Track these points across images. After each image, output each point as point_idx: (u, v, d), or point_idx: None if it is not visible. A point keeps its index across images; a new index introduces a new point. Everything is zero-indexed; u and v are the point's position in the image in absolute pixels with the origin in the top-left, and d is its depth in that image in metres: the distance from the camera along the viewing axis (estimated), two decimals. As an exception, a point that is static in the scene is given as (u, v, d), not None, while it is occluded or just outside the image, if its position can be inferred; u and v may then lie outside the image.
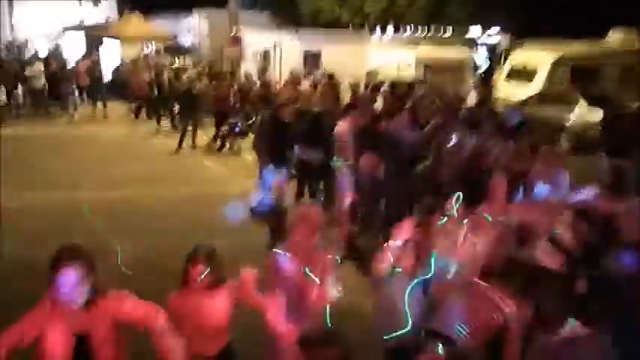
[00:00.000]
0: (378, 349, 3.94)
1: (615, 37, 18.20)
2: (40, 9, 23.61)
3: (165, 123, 14.72)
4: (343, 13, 31.83)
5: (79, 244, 2.99)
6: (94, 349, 2.90)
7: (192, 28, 24.76)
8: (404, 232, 3.79)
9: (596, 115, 13.00)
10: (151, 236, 7.07)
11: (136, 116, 15.88)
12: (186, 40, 23.73)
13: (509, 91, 16.35)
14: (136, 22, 21.52)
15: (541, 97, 14.54)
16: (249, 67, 18.71)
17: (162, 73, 15.25)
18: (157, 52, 21.07)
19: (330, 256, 3.57)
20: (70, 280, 2.76)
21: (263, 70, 17.33)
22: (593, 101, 13.48)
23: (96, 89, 16.06)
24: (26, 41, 23.58)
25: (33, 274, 4.91)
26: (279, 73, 17.78)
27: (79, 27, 24.29)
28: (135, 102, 16.16)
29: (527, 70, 16.62)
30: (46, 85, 15.67)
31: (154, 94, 15.21)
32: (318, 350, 2.35)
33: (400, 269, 3.73)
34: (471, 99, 12.14)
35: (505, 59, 18.87)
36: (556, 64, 16.15)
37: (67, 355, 2.85)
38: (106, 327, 2.92)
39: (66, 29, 24.52)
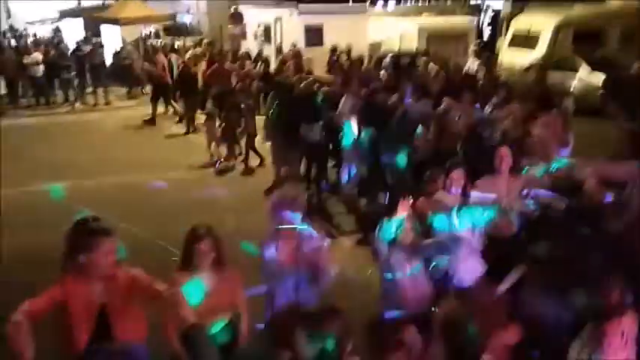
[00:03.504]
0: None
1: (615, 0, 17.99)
2: (37, -5, 23.46)
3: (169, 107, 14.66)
4: (343, -15, 31.37)
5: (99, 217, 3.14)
6: (113, 317, 3.05)
7: (191, 8, 24.54)
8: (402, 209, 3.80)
9: (598, 78, 12.90)
10: (158, 222, 7.10)
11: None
12: (185, 21, 23.53)
13: (512, 58, 16.20)
14: (134, 4, 21.29)
15: (544, 62, 14.42)
16: (250, 44, 18.57)
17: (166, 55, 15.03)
18: (157, 33, 20.90)
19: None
20: (110, 249, 2.97)
21: (276, 48, 17.12)
22: (594, 65, 13.37)
23: (96, 75, 15.96)
24: (24, 28, 23.51)
25: (37, 262, 5.05)
26: (281, 49, 17.64)
27: (76, 12, 24.13)
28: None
29: (529, 35, 16.43)
30: (46, 72, 15.56)
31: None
32: (320, 326, 2.40)
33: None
34: (471, 66, 12.06)
35: (507, 26, 18.63)
36: (558, 29, 15.96)
37: (91, 322, 3.01)
38: (123, 296, 3.08)
39: (63, 15, 24.38)
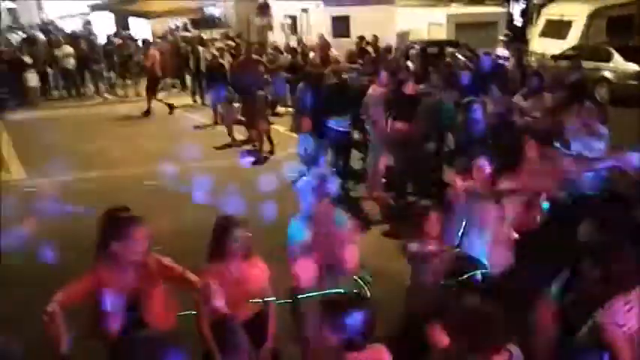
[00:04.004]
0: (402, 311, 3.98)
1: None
2: (67, -11, 23.89)
3: (198, 98, 14.81)
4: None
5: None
6: (145, 305, 3.11)
7: (219, 0, 24.72)
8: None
9: (633, 68, 12.56)
10: (185, 212, 7.16)
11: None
12: (213, 13, 23.71)
13: (544, 47, 15.88)
14: (163, -2, 21.59)
15: (577, 51, 14.09)
16: (277, 35, 18.60)
17: (192, 47, 15.18)
18: (185, 26, 21.10)
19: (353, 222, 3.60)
20: (142, 237, 3.03)
21: (298, 40, 17.20)
22: (628, 53, 13.00)
23: (126, 68, 16.18)
24: (54, 22, 23.99)
25: (70, 249, 5.15)
26: (308, 40, 17.64)
27: (106, 6, 24.51)
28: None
29: (561, 24, 16.08)
30: (77, 65, 15.84)
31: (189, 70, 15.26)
32: (345, 312, 2.39)
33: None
34: (501, 56, 11.86)
35: (539, 14, 18.26)
36: (592, 17, 15.58)
37: (123, 310, 3.07)
38: (155, 284, 3.15)
39: (94, 8, 24.79)
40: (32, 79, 15.07)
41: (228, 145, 10.66)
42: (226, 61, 13.37)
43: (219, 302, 3.06)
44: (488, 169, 4.14)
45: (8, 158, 10.18)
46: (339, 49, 14.47)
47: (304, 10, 19.11)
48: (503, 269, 3.95)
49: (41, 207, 7.38)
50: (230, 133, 10.84)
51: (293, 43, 16.54)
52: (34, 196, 8.01)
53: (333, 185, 3.53)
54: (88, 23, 23.81)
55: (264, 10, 17.26)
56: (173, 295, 3.30)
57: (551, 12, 16.96)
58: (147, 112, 13.48)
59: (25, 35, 20.55)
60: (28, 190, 8.43)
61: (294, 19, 19.71)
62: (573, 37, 15.44)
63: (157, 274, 3.16)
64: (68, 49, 15.71)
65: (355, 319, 2.39)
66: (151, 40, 18.59)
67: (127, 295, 3.08)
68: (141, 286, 3.11)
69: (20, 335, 2.88)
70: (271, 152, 9.95)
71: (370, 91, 7.53)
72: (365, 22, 17.59)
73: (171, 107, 13.63)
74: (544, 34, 16.68)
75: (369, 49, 15.07)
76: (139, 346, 3.09)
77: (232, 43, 15.65)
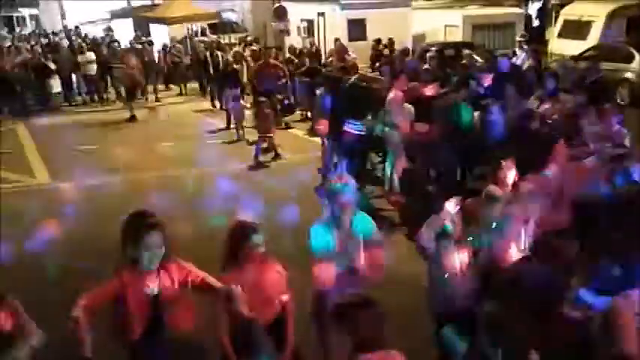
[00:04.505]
0: (422, 314, 4.01)
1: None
2: (89, -4, 24.28)
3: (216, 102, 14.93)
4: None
5: (150, 211, 3.24)
6: (166, 308, 3.16)
7: (235, 5, 24.90)
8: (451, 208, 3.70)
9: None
10: (205, 214, 7.21)
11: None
12: (230, 18, 23.89)
13: (562, 47, 15.73)
14: (181, 3, 21.77)
15: (597, 51, 13.92)
16: (293, 39, 18.67)
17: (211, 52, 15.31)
18: (202, 31, 21.28)
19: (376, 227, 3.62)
20: (157, 242, 3.05)
21: (310, 42, 17.27)
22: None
23: (147, 73, 16.35)
24: (76, 27, 24.37)
25: (96, 251, 5.25)
26: (325, 44, 17.68)
27: (126, 12, 24.85)
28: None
29: (581, 24, 15.90)
30: (99, 71, 16.05)
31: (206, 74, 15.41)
32: (354, 313, 2.43)
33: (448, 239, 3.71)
34: (519, 58, 11.76)
35: (557, 14, 18.09)
36: (611, 17, 15.38)
37: (145, 313, 3.12)
38: (174, 287, 3.18)
39: (114, 15, 25.14)
40: (56, 84, 15.33)
41: (248, 143, 10.86)
42: (245, 65, 13.47)
43: (242, 306, 3.09)
44: (510, 172, 4.15)
45: (32, 162, 10.42)
46: (356, 52, 14.52)
47: (321, 14, 19.16)
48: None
49: (65, 211, 7.56)
50: (238, 131, 11.40)
51: (308, 47, 16.61)
52: (58, 200, 8.19)
53: (355, 189, 3.55)
54: (108, 29, 24.14)
55: (281, 14, 17.31)
56: (194, 300, 3.36)
57: (570, 12, 16.78)
58: (132, 118, 13.59)
59: (47, 41, 20.92)
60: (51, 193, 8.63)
61: (310, 22, 19.77)
62: (593, 38, 15.25)
63: (178, 279, 3.19)
64: (90, 55, 15.95)
65: (365, 320, 2.43)
66: (169, 45, 18.81)
67: (148, 299, 3.12)
68: (162, 290, 3.15)
69: (45, 338, 2.96)
70: (275, 157, 9.99)
71: (391, 95, 7.53)
72: (381, 25, 17.59)
73: (133, 117, 13.66)
74: (563, 34, 16.52)
75: (385, 51, 15.11)
76: (159, 349, 3.16)
77: (255, 48, 15.76)
